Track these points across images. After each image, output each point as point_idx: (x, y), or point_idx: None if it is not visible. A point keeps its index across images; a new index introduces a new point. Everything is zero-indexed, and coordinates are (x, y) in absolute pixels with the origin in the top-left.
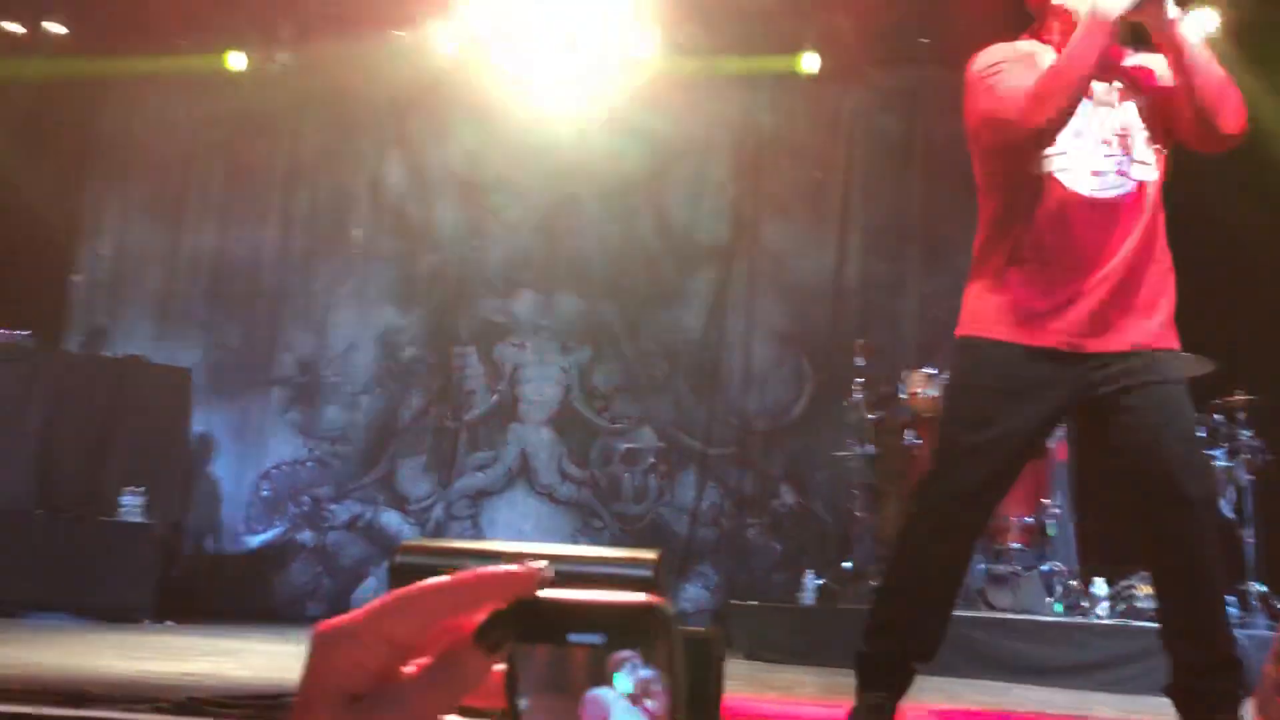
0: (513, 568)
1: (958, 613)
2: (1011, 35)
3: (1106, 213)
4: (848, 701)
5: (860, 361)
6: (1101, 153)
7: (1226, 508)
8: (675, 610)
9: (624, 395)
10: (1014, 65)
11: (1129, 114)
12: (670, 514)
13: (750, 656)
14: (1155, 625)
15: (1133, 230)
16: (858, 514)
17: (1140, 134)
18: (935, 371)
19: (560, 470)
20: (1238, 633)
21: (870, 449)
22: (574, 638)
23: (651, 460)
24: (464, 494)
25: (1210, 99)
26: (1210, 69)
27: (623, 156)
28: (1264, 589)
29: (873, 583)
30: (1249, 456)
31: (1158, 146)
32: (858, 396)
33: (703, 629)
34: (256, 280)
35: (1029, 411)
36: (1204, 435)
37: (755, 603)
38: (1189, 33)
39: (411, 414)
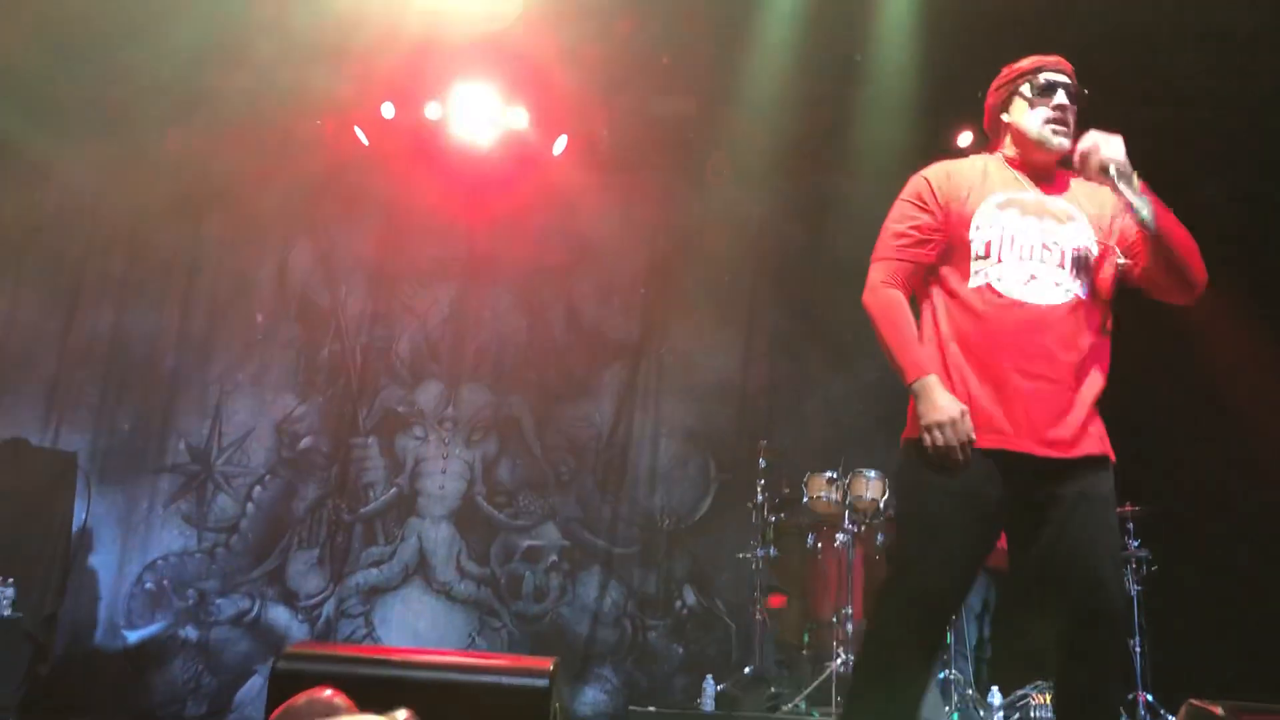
0: None
1: None
2: (914, 152)
3: (1043, 319)
4: None
5: (763, 463)
6: (1038, 258)
7: None
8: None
9: (528, 491)
10: (913, 210)
11: (1073, 231)
12: (571, 614)
13: None
14: None
15: (1072, 341)
16: (759, 617)
17: (1083, 250)
18: (836, 475)
19: (459, 567)
20: None
21: (772, 551)
22: None
23: (554, 558)
24: (357, 590)
25: (1186, 265)
26: (1185, 239)
27: (535, 250)
28: (1151, 699)
29: (773, 689)
30: (1137, 567)
31: (1099, 267)
32: (761, 498)
33: None
34: (152, 364)
35: (977, 511)
36: None
37: (654, 709)
38: (1169, 219)
39: (306, 506)
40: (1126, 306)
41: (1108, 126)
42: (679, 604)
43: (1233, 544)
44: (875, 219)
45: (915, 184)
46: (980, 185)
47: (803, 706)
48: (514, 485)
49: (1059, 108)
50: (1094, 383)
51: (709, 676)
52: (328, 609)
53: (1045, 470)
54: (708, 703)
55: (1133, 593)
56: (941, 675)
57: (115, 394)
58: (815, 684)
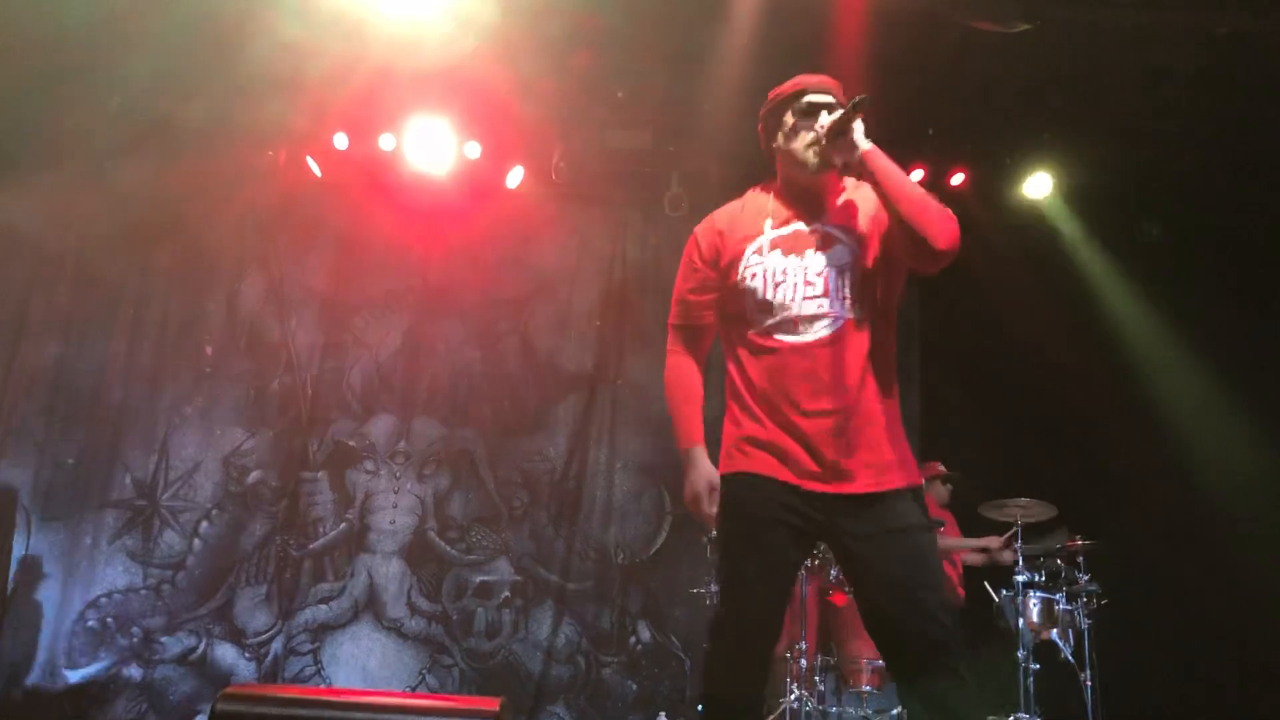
0: None
1: None
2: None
3: (817, 356)
4: None
5: None
6: (802, 295)
7: (1066, 651)
8: None
9: (481, 526)
10: (686, 272)
11: (834, 255)
12: (524, 651)
13: None
14: None
15: (848, 369)
16: None
17: (847, 273)
18: None
19: (410, 603)
20: None
21: None
22: None
23: (506, 594)
24: (305, 627)
25: (916, 219)
26: (910, 190)
27: (489, 282)
28: None
29: None
30: (1086, 600)
31: (869, 284)
32: (714, 532)
33: None
34: (98, 397)
35: (770, 538)
36: (1043, 579)
37: None
38: (882, 160)
39: (254, 541)
40: (1079, 341)
41: (1055, 161)
42: (633, 640)
43: (1182, 577)
44: None
45: (688, 244)
46: (749, 229)
47: None
48: (466, 520)
49: (821, 128)
50: (884, 407)
51: (662, 714)
52: (275, 647)
53: (840, 505)
54: None
55: (1083, 626)
56: (894, 712)
57: (60, 427)
58: None
